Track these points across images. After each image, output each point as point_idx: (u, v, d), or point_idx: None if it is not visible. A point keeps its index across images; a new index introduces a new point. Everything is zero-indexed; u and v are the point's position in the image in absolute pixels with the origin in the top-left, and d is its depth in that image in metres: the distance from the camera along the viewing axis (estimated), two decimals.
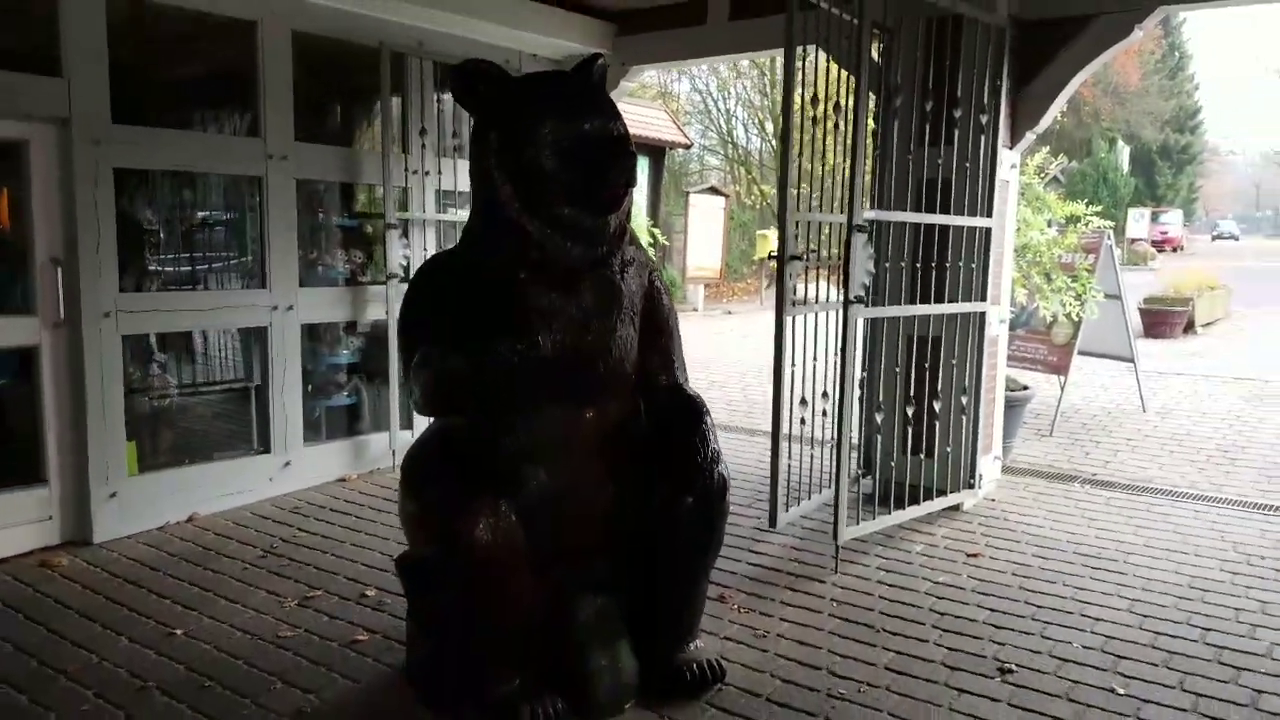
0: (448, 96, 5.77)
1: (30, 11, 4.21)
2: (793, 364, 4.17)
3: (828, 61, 4.36)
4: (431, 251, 5.66)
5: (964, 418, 4.77)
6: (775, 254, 4.04)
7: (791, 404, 4.20)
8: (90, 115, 4.18)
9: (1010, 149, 4.96)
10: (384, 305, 5.45)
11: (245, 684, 3.07)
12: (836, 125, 4.35)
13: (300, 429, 5.18)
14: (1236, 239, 46.44)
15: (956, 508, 4.87)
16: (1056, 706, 2.97)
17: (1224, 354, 11.02)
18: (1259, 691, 3.07)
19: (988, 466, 5.17)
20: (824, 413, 4.46)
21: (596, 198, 2.68)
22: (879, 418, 4.52)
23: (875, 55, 4.68)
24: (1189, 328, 12.90)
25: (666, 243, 15.77)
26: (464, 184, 5.67)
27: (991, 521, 4.77)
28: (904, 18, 4.61)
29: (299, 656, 3.26)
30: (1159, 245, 31.69)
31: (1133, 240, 29.26)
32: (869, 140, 4.49)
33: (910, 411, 4.65)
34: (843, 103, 4.32)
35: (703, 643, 3.15)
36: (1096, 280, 6.67)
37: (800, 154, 4.12)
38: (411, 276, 3.03)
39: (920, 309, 4.56)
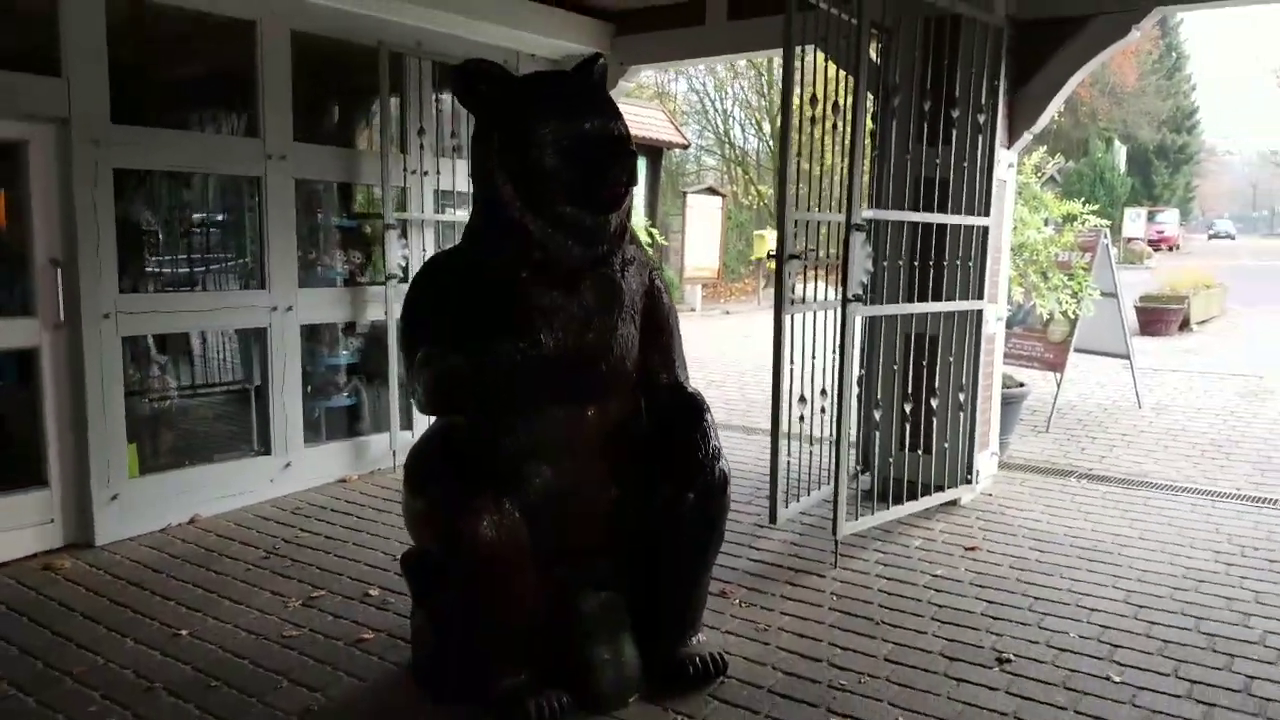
0: (446, 96, 5.79)
1: (30, 11, 4.21)
2: (791, 362, 4.19)
3: (826, 61, 4.38)
4: (430, 252, 5.67)
5: (961, 414, 4.79)
6: (773, 253, 4.06)
7: (790, 402, 4.22)
8: (90, 116, 4.18)
9: (1008, 148, 4.99)
10: (383, 306, 5.46)
11: (252, 683, 3.08)
12: (835, 125, 4.37)
13: (300, 430, 5.19)
14: (1233, 238, 46.58)
15: (954, 503, 4.90)
16: (1054, 694, 3.01)
17: (1219, 351, 11.07)
18: (1251, 678, 3.12)
19: (985, 462, 5.20)
20: (823, 410, 4.49)
21: (597, 197, 2.70)
22: (877, 415, 4.54)
23: (874, 55, 4.70)
24: (1184, 325, 12.96)
25: (664, 243, 15.79)
26: (462, 184, 5.74)
27: (989, 516, 4.80)
28: (902, 17, 4.63)
29: (304, 656, 3.27)
30: (1155, 244, 31.80)
31: (1129, 239, 29.34)
32: (867, 140, 4.51)
33: (908, 408, 4.68)
34: (841, 102, 4.34)
35: (705, 637, 3.17)
36: (1093, 278, 6.71)
37: (799, 154, 4.14)
38: (413, 276, 3.04)
39: (918, 307, 4.58)
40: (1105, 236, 7.19)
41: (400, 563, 3.13)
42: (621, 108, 2.89)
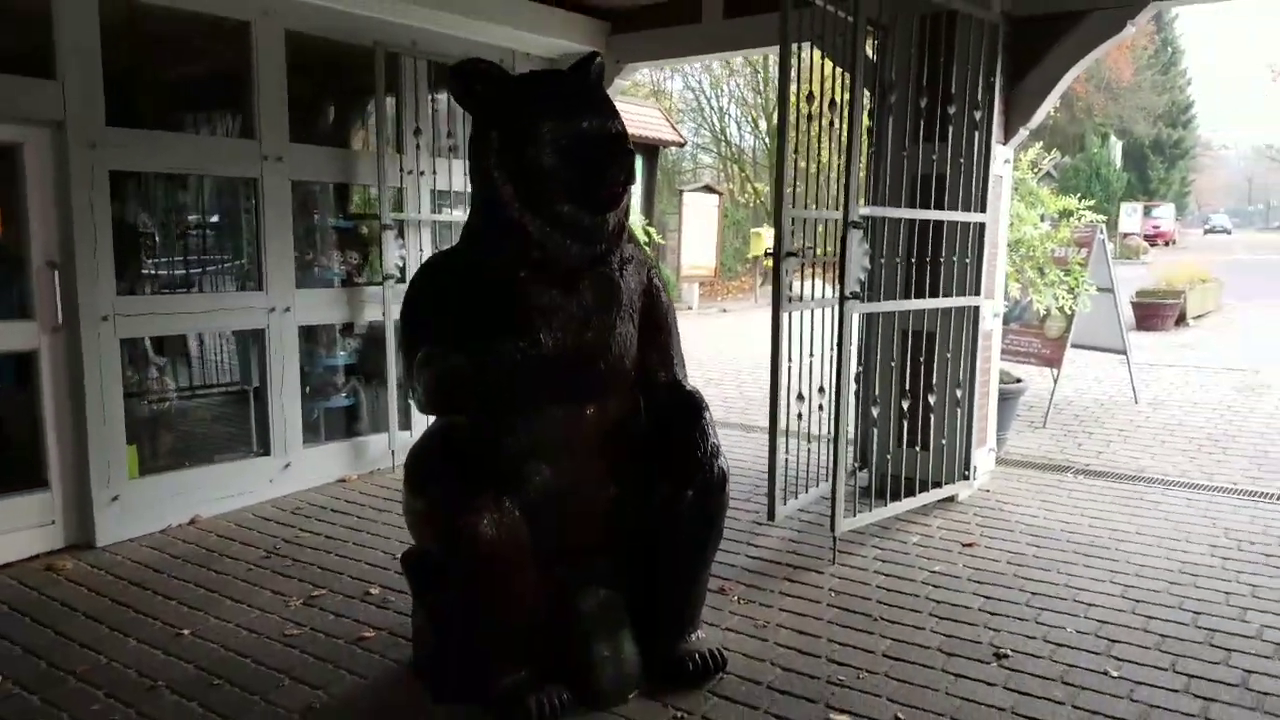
0: (442, 96, 5.79)
1: (23, 13, 4.20)
2: (789, 360, 4.21)
3: (822, 59, 4.39)
4: (427, 252, 5.68)
5: (958, 411, 4.81)
6: (771, 251, 4.08)
7: (788, 399, 4.24)
8: (85, 118, 4.18)
9: (1004, 145, 5.00)
10: (380, 306, 5.47)
11: (254, 682, 3.09)
12: (831, 122, 4.38)
13: (299, 430, 5.20)
14: (1229, 233, 46.58)
15: (952, 499, 4.91)
16: (1051, 689, 3.02)
17: (1215, 346, 11.10)
18: (1249, 672, 3.13)
19: (982, 458, 5.21)
20: (820, 407, 4.50)
21: (595, 196, 2.71)
22: (875, 412, 4.55)
23: (870, 52, 4.72)
24: (1180, 320, 12.98)
25: (661, 241, 15.80)
26: (459, 184, 5.74)
27: (986, 512, 4.82)
28: (898, 14, 4.65)
29: (306, 654, 3.29)
30: (1151, 239, 31.81)
31: (1125, 234, 29.37)
32: (864, 137, 4.52)
33: (906, 405, 4.70)
34: (838, 100, 4.35)
35: (704, 633, 3.19)
36: (1089, 274, 6.73)
37: (796, 151, 4.15)
38: (412, 276, 3.05)
39: (915, 304, 4.59)
40: (1101, 232, 7.22)
41: (401, 561, 3.14)
42: (617, 106, 2.90)
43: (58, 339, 4.26)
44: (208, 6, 4.64)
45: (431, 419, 3.05)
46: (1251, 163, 63.71)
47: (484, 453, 2.77)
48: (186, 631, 3.47)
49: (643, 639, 3.01)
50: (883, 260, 4.81)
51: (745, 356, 10.32)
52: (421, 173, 5.69)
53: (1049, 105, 5.05)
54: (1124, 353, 7.66)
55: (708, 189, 18.36)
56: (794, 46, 4.05)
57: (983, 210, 4.73)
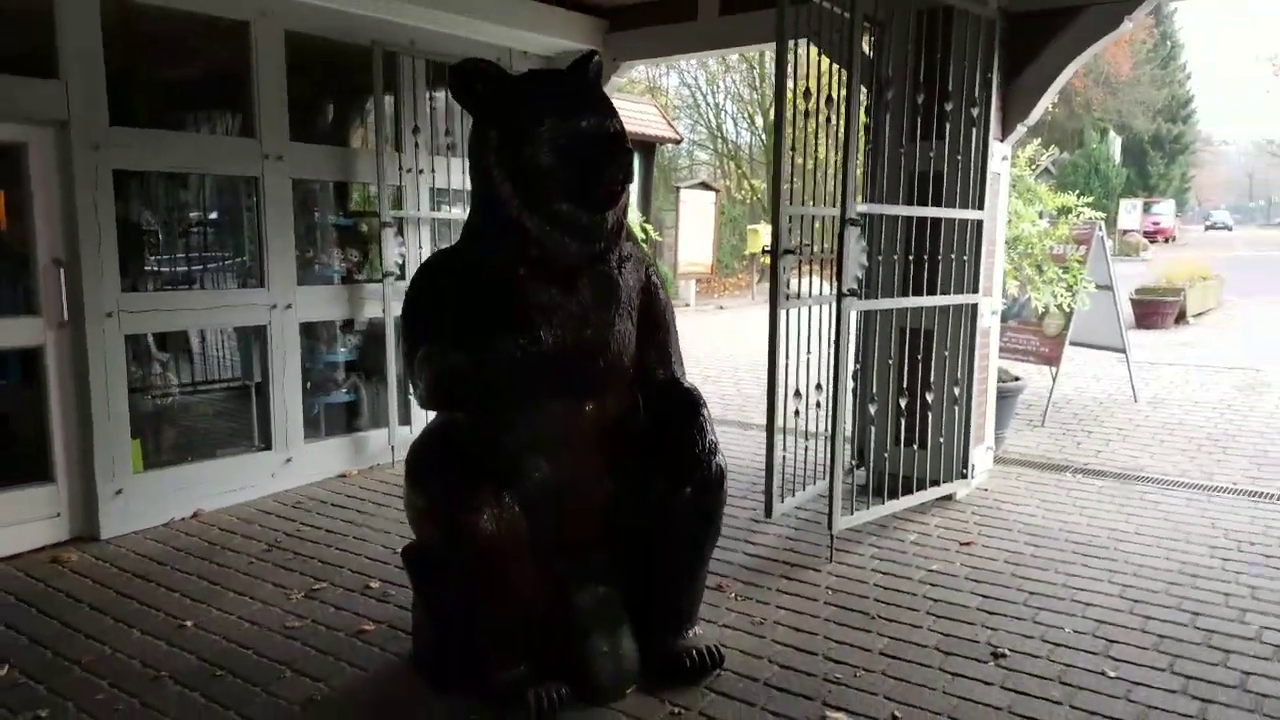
0: (440, 95, 5.81)
1: (26, 14, 4.23)
2: (787, 357, 4.22)
3: (819, 55, 4.41)
4: (426, 249, 5.71)
5: (956, 409, 4.82)
6: (768, 248, 4.09)
7: (786, 397, 4.25)
8: (88, 118, 4.21)
9: (1001, 141, 5.01)
10: (380, 303, 5.50)
11: (256, 673, 3.13)
12: (828, 119, 4.39)
13: (300, 426, 5.23)
14: (1230, 229, 46.45)
15: (949, 497, 4.92)
16: (1049, 689, 3.02)
17: (1216, 344, 11.08)
18: (1247, 674, 3.12)
19: (980, 457, 5.22)
20: (818, 405, 4.52)
21: (594, 194, 2.73)
22: (872, 409, 4.57)
23: (866, 49, 4.73)
24: (1181, 318, 12.95)
25: (658, 238, 15.80)
26: (457, 182, 5.77)
27: (984, 510, 4.83)
28: (895, 11, 4.66)
29: (307, 646, 3.32)
30: (1151, 236, 31.74)
31: (1124, 231, 29.33)
32: (861, 134, 4.53)
33: (903, 403, 4.71)
34: (834, 96, 4.37)
35: (701, 630, 3.21)
36: (1088, 271, 6.72)
37: (793, 148, 4.17)
38: (413, 274, 3.07)
39: (913, 301, 4.61)
40: (1100, 229, 7.22)
41: (401, 556, 3.17)
42: (614, 103, 2.92)
43: (63, 335, 4.29)
44: (208, 7, 4.67)
45: (432, 415, 3.08)
46: (1252, 158, 63.61)
47: (484, 449, 2.80)
48: (189, 623, 3.51)
49: (641, 635, 3.03)
50: (880, 257, 4.83)
51: (742, 354, 10.33)
52: (420, 171, 5.71)
53: (1047, 101, 5.06)
54: (1123, 351, 7.65)
55: (704, 186, 18.35)
56: (790, 43, 4.05)
57: (980, 207, 4.74)
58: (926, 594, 3.79)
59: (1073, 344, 7.19)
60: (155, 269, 5.07)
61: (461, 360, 2.70)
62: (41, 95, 4.11)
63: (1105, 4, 4.62)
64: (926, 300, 4.62)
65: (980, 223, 4.76)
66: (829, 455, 4.20)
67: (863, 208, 4.23)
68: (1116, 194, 31.69)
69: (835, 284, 4.04)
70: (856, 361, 4.81)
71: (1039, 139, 7.26)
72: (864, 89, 4.51)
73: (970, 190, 4.71)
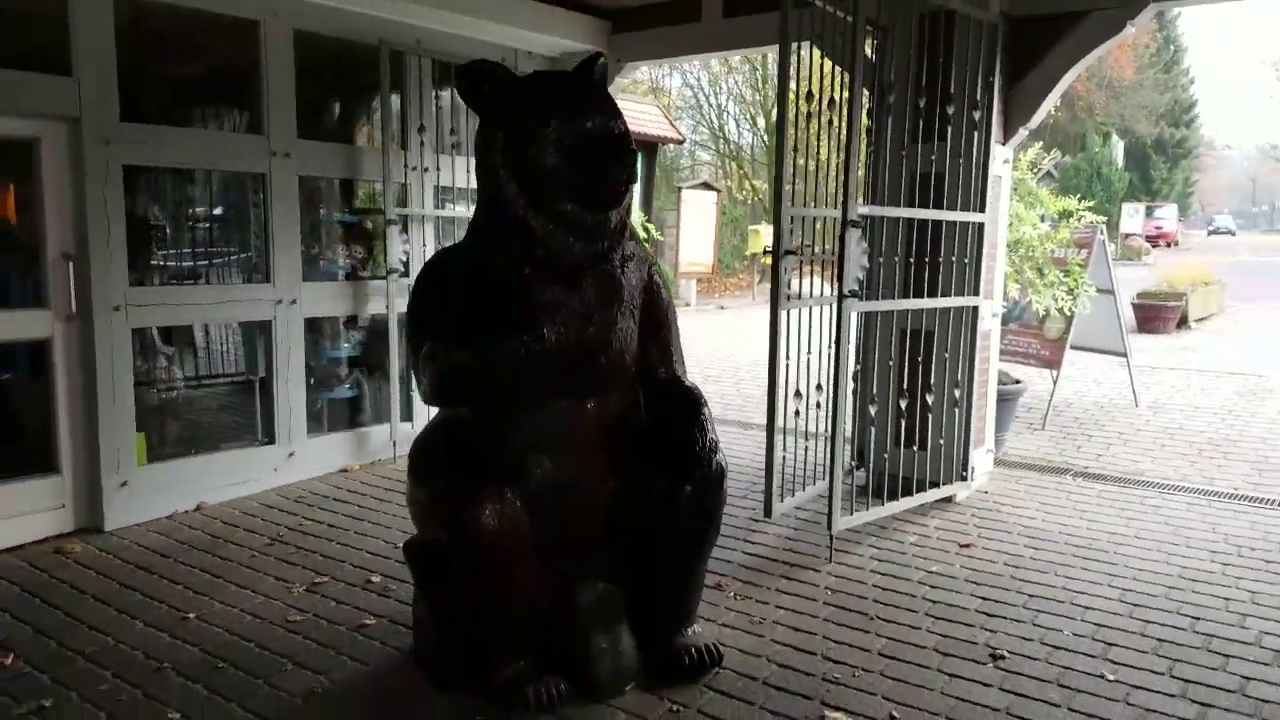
0: (446, 94, 5.84)
1: (40, 12, 4.27)
2: (787, 357, 4.24)
3: (822, 58, 4.43)
4: (430, 246, 5.74)
5: (957, 411, 4.83)
6: (769, 249, 4.11)
7: (786, 397, 4.27)
8: (99, 114, 4.25)
9: (1003, 145, 5.02)
10: (384, 300, 5.53)
11: (258, 666, 3.16)
12: (830, 121, 4.41)
13: (304, 421, 5.26)
14: (1233, 234, 46.35)
15: (949, 499, 4.93)
16: (1048, 691, 3.03)
17: (1217, 349, 11.08)
18: (1247, 679, 3.12)
19: (980, 459, 5.23)
20: (818, 405, 4.54)
21: (598, 195, 2.76)
22: (872, 410, 4.59)
23: (869, 52, 4.75)
24: (1182, 323, 12.93)
25: (659, 238, 15.82)
26: (461, 180, 5.80)
27: (984, 513, 4.84)
28: (897, 14, 4.67)
29: (308, 640, 3.35)
30: (1154, 240, 31.71)
31: (1126, 235, 29.31)
32: (863, 136, 4.55)
33: (903, 405, 4.73)
34: (837, 99, 4.39)
35: (700, 628, 3.23)
36: (1089, 275, 6.74)
37: (795, 150, 4.19)
38: (419, 271, 3.10)
39: (914, 303, 4.62)
40: (1101, 233, 7.23)
41: (403, 551, 3.18)
42: (618, 104, 2.94)
43: (71, 328, 4.33)
44: (218, 6, 4.71)
45: (435, 411, 3.10)
46: (1256, 163, 63.55)
47: (487, 445, 2.82)
48: (192, 615, 3.53)
49: (640, 632, 3.05)
50: (881, 259, 4.85)
51: (743, 354, 10.34)
52: (425, 169, 5.75)
53: (1049, 105, 5.07)
54: (1124, 355, 7.66)
55: (706, 186, 18.37)
56: (793, 46, 4.07)
57: (982, 210, 4.76)
58: (926, 595, 3.80)
59: (1074, 348, 7.20)
60: (162, 263, 5.10)
61: (466, 357, 2.73)
62: (54, 91, 4.15)
63: (1108, 9, 4.62)
64: (927, 302, 4.64)
65: (981, 225, 4.77)
66: (829, 456, 4.21)
67: (864, 209, 4.25)
68: (1119, 198, 31.63)
69: (836, 285, 4.06)
70: (857, 362, 4.83)
71: (1041, 142, 7.29)
72: (866, 92, 4.53)
73: (971, 193, 4.73)
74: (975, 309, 4.82)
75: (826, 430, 4.37)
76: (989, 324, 5.14)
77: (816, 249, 4.57)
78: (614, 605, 3.02)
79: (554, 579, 2.92)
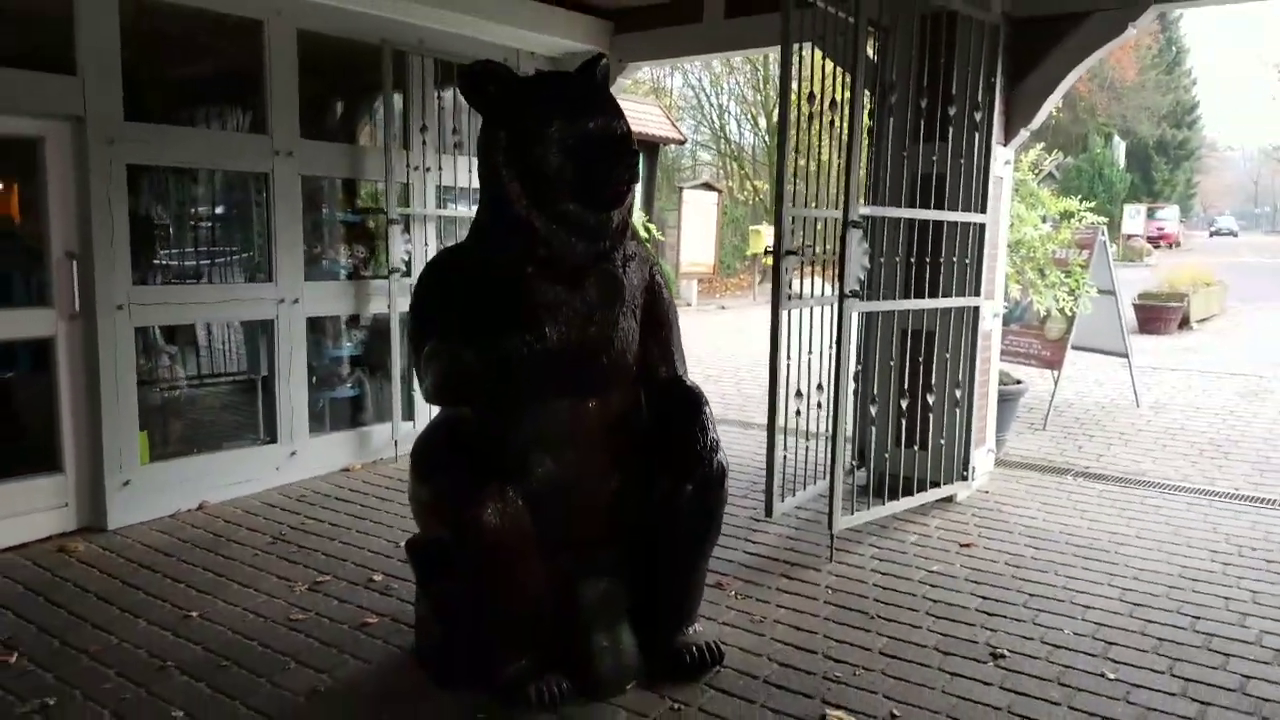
0: (448, 94, 5.86)
1: (45, 12, 4.29)
2: (788, 357, 4.25)
3: (823, 59, 4.43)
4: (432, 246, 5.76)
5: (958, 411, 4.84)
6: (771, 249, 4.12)
7: (787, 397, 4.28)
8: (104, 113, 4.26)
9: (1004, 145, 5.03)
10: (386, 299, 5.54)
11: (261, 664, 3.16)
12: (832, 122, 4.42)
13: (305, 420, 5.28)
14: (1235, 235, 46.35)
15: (950, 499, 4.94)
16: (1048, 690, 3.04)
17: (1219, 349, 11.08)
18: (1248, 677, 3.13)
19: (981, 459, 5.24)
20: (819, 405, 4.54)
21: (600, 195, 2.77)
22: (873, 410, 4.59)
23: (871, 53, 4.75)
24: (1184, 323, 12.94)
25: (660, 238, 15.83)
26: (463, 179, 5.81)
27: (984, 512, 4.84)
28: (899, 15, 4.68)
29: (311, 638, 3.36)
30: (1155, 241, 31.72)
31: (1128, 236, 29.31)
32: (864, 136, 4.56)
33: (904, 404, 4.73)
34: (838, 100, 4.40)
35: (701, 627, 3.24)
36: (1090, 276, 6.74)
37: (796, 150, 4.20)
38: (421, 271, 3.11)
39: (914, 303, 4.63)
40: (1103, 234, 7.23)
41: (406, 549, 3.19)
42: (620, 104, 2.95)
43: (74, 327, 4.34)
44: (222, 6, 4.72)
45: (437, 410, 3.11)
46: (1258, 164, 63.57)
47: (489, 444, 2.83)
48: (195, 614, 3.54)
49: (642, 631, 3.06)
50: (882, 259, 4.85)
51: (743, 354, 10.35)
52: (427, 169, 5.76)
53: (1050, 106, 5.07)
54: (1125, 356, 7.67)
55: (707, 186, 18.37)
56: (795, 47, 4.08)
57: (983, 211, 4.77)
58: (926, 594, 3.80)
59: (1075, 348, 7.20)
60: (165, 263, 5.12)
61: (468, 357, 2.73)
62: (59, 91, 4.16)
63: (1109, 10, 4.63)
64: (928, 302, 4.65)
65: (982, 226, 4.78)
66: (830, 455, 4.22)
67: (865, 210, 4.25)
68: (1120, 199, 31.65)
69: (837, 285, 4.07)
70: (858, 362, 4.83)
71: (1043, 143, 7.30)
72: (868, 92, 4.53)
73: (973, 194, 4.73)
74: (976, 309, 4.83)
75: (827, 430, 4.38)
76: (990, 324, 5.15)
77: (818, 249, 4.58)
78: (616, 604, 3.03)
79: (556, 577, 2.92)
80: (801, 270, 4.40)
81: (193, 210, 5.35)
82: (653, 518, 2.97)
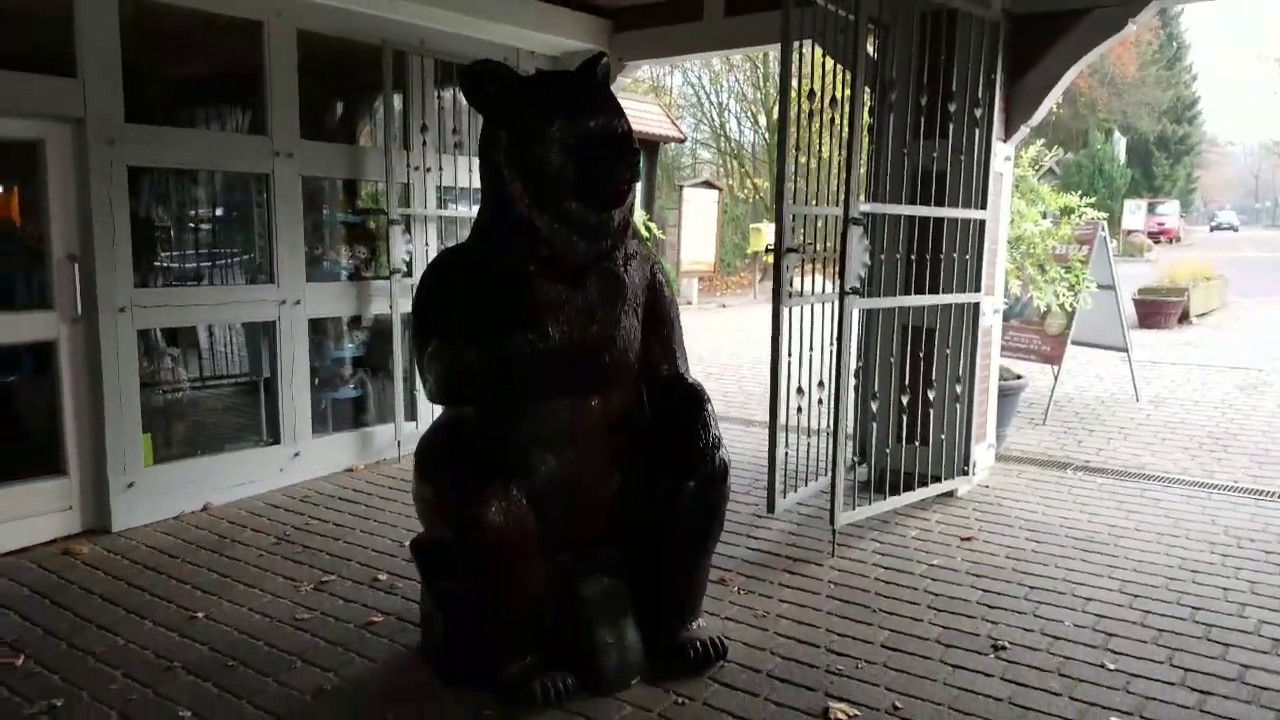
0: (448, 94, 5.86)
1: (45, 13, 4.29)
2: (789, 354, 4.26)
3: (823, 56, 4.44)
4: (433, 246, 5.76)
5: (958, 406, 4.85)
6: (771, 247, 4.13)
7: (788, 394, 4.29)
8: (104, 115, 4.27)
9: (1004, 142, 5.04)
10: (387, 300, 5.55)
11: (267, 663, 3.18)
12: (832, 119, 4.43)
13: (308, 421, 5.29)
14: (1235, 230, 46.28)
15: (951, 494, 4.96)
16: (1048, 681, 3.06)
17: (1219, 344, 11.09)
18: (1246, 667, 3.16)
19: (982, 454, 5.26)
20: (820, 402, 4.56)
21: (601, 194, 2.78)
22: (874, 406, 4.61)
23: (871, 50, 4.76)
24: (1184, 318, 12.95)
25: (661, 236, 15.84)
26: (464, 180, 5.82)
27: (985, 507, 4.86)
28: (899, 13, 4.69)
29: (317, 638, 3.37)
30: (1156, 236, 31.70)
31: (1129, 231, 29.31)
32: (864, 134, 4.57)
33: (905, 400, 4.75)
34: (838, 97, 4.41)
35: (705, 622, 3.25)
36: (1090, 271, 6.76)
37: (796, 148, 4.21)
38: (423, 271, 3.12)
39: (915, 300, 4.65)
40: (1103, 229, 7.24)
41: (410, 548, 3.21)
42: (620, 103, 2.96)
43: (76, 329, 4.35)
44: (222, 7, 4.73)
45: (439, 409, 3.12)
46: (1259, 159, 63.50)
47: (492, 443, 2.84)
48: (201, 615, 3.56)
49: (645, 627, 3.08)
50: (883, 256, 4.87)
51: (745, 351, 10.36)
52: (428, 169, 5.76)
53: (1050, 103, 5.08)
54: (1125, 350, 7.68)
55: (707, 184, 18.36)
56: (795, 44, 4.09)
57: (983, 207, 4.78)
58: (928, 588, 3.82)
59: (1075, 343, 7.22)
60: (167, 265, 5.13)
61: (471, 356, 2.75)
62: (59, 93, 4.17)
63: (1109, 6, 4.64)
64: (929, 299, 4.66)
65: (983, 222, 4.79)
66: (831, 451, 4.24)
67: (866, 207, 4.27)
68: (1121, 195, 31.66)
69: (838, 282, 4.08)
70: (859, 359, 4.85)
71: (1043, 139, 7.29)
72: (868, 90, 4.54)
73: (973, 190, 4.74)
74: (977, 305, 4.84)
75: (828, 426, 4.39)
76: (990, 320, 5.16)
77: (818, 246, 4.60)
78: (619, 600, 3.04)
79: (559, 575, 2.94)
80: (802, 267, 4.41)
81: (193, 212, 5.36)
82: (655, 515, 2.99)
